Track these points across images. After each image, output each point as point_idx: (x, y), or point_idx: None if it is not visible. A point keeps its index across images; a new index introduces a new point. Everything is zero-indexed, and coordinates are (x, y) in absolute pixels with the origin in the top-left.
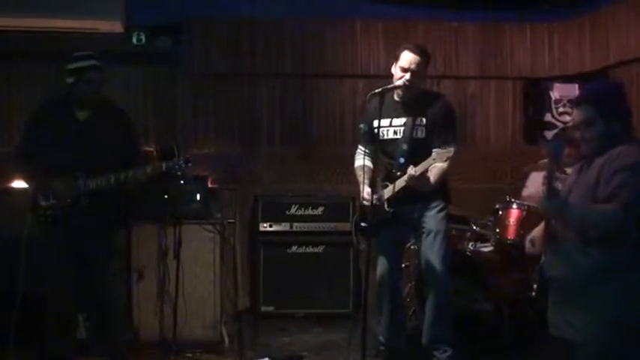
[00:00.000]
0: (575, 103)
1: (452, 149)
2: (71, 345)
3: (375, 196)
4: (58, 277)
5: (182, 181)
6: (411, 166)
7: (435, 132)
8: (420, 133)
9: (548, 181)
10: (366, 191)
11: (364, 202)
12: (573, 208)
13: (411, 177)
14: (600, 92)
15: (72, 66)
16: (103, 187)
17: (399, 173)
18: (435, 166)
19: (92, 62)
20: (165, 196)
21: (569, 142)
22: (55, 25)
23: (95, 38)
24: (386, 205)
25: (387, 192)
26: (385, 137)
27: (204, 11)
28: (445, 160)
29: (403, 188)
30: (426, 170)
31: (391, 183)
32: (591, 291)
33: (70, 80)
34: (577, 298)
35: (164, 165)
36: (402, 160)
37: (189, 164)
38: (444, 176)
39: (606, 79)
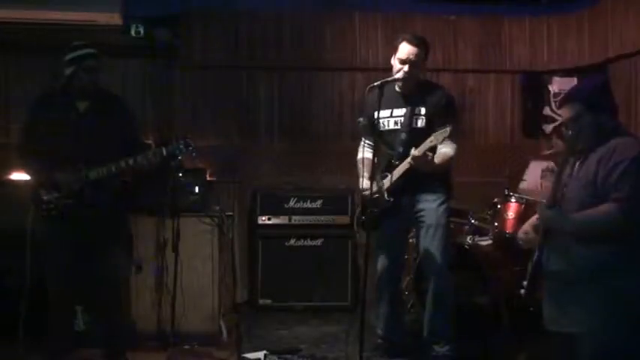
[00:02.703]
0: (561, 103)
1: (448, 129)
2: (70, 336)
3: (374, 187)
4: (61, 270)
5: (180, 174)
6: (413, 147)
7: (435, 121)
8: (420, 123)
9: (553, 191)
10: (365, 183)
11: (364, 193)
12: (572, 218)
13: (414, 157)
14: (584, 88)
15: (70, 56)
16: (104, 176)
17: (397, 162)
18: (442, 151)
19: (89, 50)
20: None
21: (562, 139)
22: (53, 17)
23: (93, 30)
24: (386, 195)
25: (387, 182)
26: (386, 128)
27: (203, 3)
28: (442, 141)
29: (403, 175)
30: (429, 151)
31: (391, 173)
32: (594, 285)
33: (68, 71)
34: (579, 293)
35: (164, 150)
36: (400, 149)
37: (190, 147)
38: (449, 162)
39: (591, 75)
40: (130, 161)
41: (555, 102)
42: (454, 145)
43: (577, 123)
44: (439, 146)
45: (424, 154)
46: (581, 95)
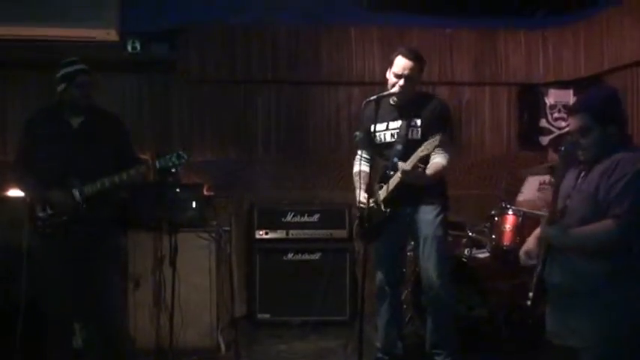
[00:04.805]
0: (570, 111)
1: (437, 137)
2: (69, 354)
3: (371, 200)
4: (57, 287)
5: (178, 190)
6: (401, 161)
7: (430, 130)
8: (416, 134)
9: (552, 206)
10: (362, 196)
11: (361, 205)
12: (572, 234)
13: (404, 171)
14: (594, 99)
15: (61, 72)
16: (98, 191)
17: (392, 173)
18: (434, 161)
19: (80, 66)
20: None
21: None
22: (50, 33)
23: (90, 46)
24: (382, 207)
25: (382, 193)
26: (383, 141)
27: (199, 18)
28: (433, 150)
29: (397, 186)
30: (421, 162)
31: (386, 184)
32: (596, 298)
33: (60, 88)
34: (580, 305)
35: (157, 162)
36: (395, 160)
37: (183, 159)
38: (442, 172)
39: (600, 85)
40: (124, 176)
41: (552, 114)
42: (447, 155)
43: (584, 134)
44: (432, 156)
45: (414, 167)
46: (590, 106)
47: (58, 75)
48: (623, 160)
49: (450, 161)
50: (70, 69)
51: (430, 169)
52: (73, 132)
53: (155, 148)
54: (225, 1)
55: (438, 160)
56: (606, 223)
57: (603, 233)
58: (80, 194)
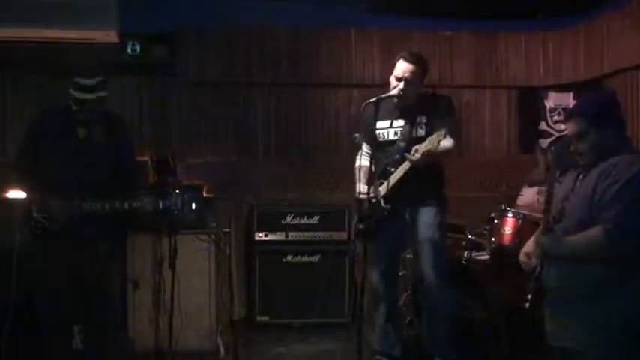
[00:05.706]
0: (565, 117)
1: (443, 131)
2: (68, 356)
3: (371, 194)
4: (53, 288)
5: (177, 190)
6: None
7: (435, 124)
8: (421, 132)
9: (545, 217)
10: (362, 187)
11: (360, 195)
12: (563, 243)
13: (412, 160)
14: (590, 103)
15: (77, 95)
16: (97, 211)
17: (392, 169)
18: (441, 144)
19: (97, 95)
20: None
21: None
22: (50, 35)
23: (90, 48)
24: (382, 202)
25: (383, 189)
26: (385, 139)
27: (199, 20)
28: (438, 144)
29: (400, 180)
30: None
31: (386, 180)
32: (590, 302)
33: (73, 106)
34: (576, 309)
35: (161, 203)
36: (397, 156)
37: (186, 206)
38: (447, 154)
39: (599, 88)
40: (125, 205)
41: (551, 117)
42: (452, 140)
43: (580, 139)
44: None
45: (422, 156)
46: (587, 110)
47: (74, 95)
48: (620, 163)
49: (455, 147)
50: (86, 96)
51: (440, 149)
52: (78, 143)
53: (154, 150)
54: (225, 4)
55: (444, 143)
56: (594, 232)
57: (592, 242)
58: (79, 208)
